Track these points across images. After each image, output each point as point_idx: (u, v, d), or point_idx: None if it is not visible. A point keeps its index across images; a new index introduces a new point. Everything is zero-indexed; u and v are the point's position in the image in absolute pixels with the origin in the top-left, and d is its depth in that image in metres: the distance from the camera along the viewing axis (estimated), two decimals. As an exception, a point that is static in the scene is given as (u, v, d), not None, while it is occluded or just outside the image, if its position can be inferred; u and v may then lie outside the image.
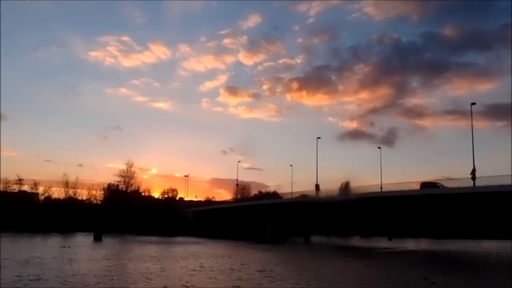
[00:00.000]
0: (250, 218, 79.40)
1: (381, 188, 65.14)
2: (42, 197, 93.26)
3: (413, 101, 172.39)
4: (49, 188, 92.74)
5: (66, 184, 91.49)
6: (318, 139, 76.42)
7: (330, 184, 75.21)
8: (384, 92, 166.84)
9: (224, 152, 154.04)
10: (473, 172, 49.40)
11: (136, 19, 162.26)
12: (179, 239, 68.38)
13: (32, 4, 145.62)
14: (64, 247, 41.60)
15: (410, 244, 72.59)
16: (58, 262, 27.45)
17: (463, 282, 24.19)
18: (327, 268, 29.97)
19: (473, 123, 53.52)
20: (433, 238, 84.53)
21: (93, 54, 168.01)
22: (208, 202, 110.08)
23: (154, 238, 65.15)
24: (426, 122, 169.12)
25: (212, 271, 25.33)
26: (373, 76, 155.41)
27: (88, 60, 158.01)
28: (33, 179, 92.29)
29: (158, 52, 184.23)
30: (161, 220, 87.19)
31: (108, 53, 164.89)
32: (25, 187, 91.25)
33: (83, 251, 37.75)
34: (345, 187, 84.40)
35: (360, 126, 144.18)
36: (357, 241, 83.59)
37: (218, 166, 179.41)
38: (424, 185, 57.98)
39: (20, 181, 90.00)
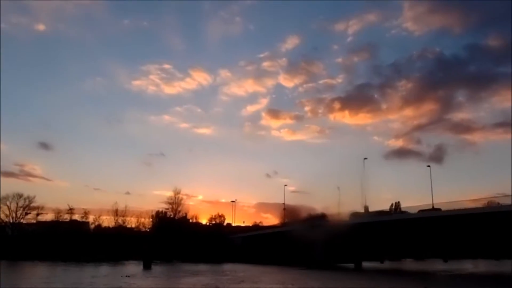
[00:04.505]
0: (298, 243, 78.15)
1: (433, 207, 63.40)
2: (92, 226, 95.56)
3: (460, 115, 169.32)
4: (99, 216, 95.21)
5: (116, 213, 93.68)
6: (365, 160, 75.75)
7: (379, 204, 74.06)
8: (429, 108, 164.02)
9: (268, 176, 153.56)
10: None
11: (177, 46, 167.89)
12: (228, 266, 67.62)
13: (77, 37, 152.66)
14: (127, 276, 42.06)
15: (468, 266, 69.72)
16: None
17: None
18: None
19: (525, 134, 51.67)
20: (491, 259, 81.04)
21: (136, 83, 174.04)
22: (256, 227, 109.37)
23: (203, 266, 64.38)
24: (475, 137, 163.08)
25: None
26: (416, 92, 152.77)
27: (131, 89, 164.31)
28: (83, 208, 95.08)
29: (199, 78, 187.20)
30: (208, 247, 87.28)
31: (151, 81, 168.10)
32: (76, 216, 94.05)
33: (144, 281, 37.92)
34: (395, 207, 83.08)
35: (406, 144, 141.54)
36: (411, 264, 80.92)
37: (263, 190, 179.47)
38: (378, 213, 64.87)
39: (71, 211, 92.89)
